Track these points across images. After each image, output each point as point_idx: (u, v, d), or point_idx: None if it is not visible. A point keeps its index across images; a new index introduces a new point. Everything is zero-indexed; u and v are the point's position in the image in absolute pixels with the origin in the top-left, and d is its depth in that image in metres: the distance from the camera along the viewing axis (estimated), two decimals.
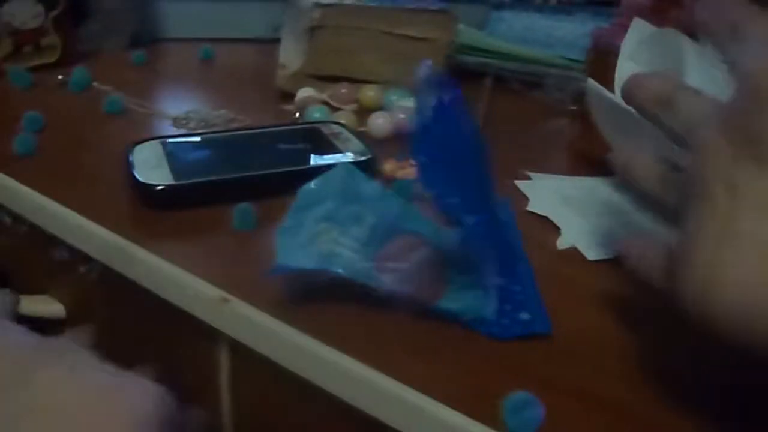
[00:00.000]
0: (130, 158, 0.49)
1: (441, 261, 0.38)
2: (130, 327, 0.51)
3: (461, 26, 0.75)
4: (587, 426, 0.31)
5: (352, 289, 0.37)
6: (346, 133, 0.55)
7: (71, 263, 0.50)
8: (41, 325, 0.55)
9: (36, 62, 0.72)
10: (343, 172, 0.41)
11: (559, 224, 0.48)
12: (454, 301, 0.37)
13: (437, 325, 0.37)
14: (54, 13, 0.72)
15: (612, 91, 0.56)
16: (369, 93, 0.64)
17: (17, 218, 0.53)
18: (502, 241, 0.39)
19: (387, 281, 0.37)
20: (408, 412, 0.33)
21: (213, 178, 0.48)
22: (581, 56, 0.69)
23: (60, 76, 0.70)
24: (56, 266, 0.51)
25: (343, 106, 0.63)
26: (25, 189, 0.50)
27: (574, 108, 0.67)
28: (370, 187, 0.42)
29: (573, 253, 0.45)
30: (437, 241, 0.39)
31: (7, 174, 0.52)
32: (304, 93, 0.64)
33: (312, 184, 0.41)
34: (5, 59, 0.70)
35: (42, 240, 0.50)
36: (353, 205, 0.40)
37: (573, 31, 0.79)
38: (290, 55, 0.69)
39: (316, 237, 0.38)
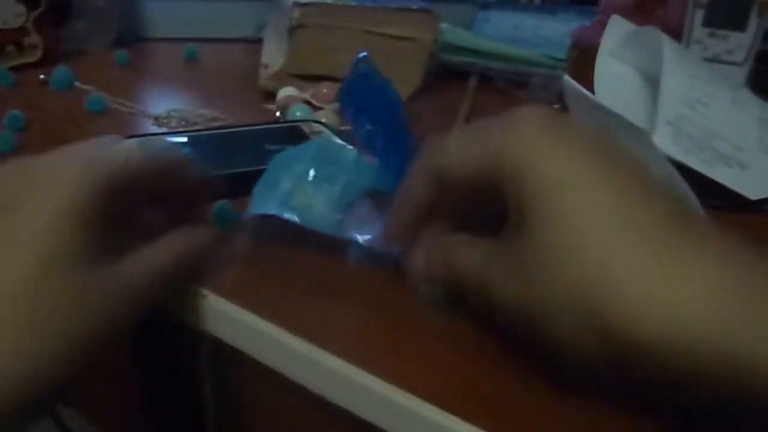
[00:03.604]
0: None
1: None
2: None
3: (446, 26, 0.77)
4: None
5: (314, 240, 0.43)
6: (326, 132, 0.56)
7: None
8: None
9: (18, 62, 0.74)
10: (319, 141, 0.46)
11: None
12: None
13: (422, 322, 0.38)
14: (36, 12, 0.73)
15: (593, 88, 0.57)
16: None
17: None
18: None
19: (351, 233, 0.42)
20: (392, 411, 0.33)
21: None
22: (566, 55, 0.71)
23: (42, 76, 0.71)
24: None
25: (324, 105, 0.64)
26: None
27: (559, 106, 0.69)
28: (346, 152, 0.46)
29: None
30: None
31: None
32: (285, 92, 0.65)
33: (289, 150, 0.45)
34: None
35: None
36: (328, 166, 0.44)
37: (559, 31, 0.81)
38: (273, 55, 0.71)
39: (291, 193, 0.43)
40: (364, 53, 0.44)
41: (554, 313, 0.29)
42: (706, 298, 0.26)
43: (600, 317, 0.28)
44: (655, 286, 0.27)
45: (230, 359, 0.41)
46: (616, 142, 0.32)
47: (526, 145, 0.31)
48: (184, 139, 0.55)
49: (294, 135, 0.56)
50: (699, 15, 0.64)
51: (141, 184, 0.36)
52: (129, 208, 0.37)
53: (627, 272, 0.28)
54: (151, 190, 0.38)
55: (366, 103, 0.43)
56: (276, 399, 0.42)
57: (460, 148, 0.35)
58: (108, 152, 0.36)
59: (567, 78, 0.52)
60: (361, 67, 0.43)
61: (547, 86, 0.71)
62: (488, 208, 0.35)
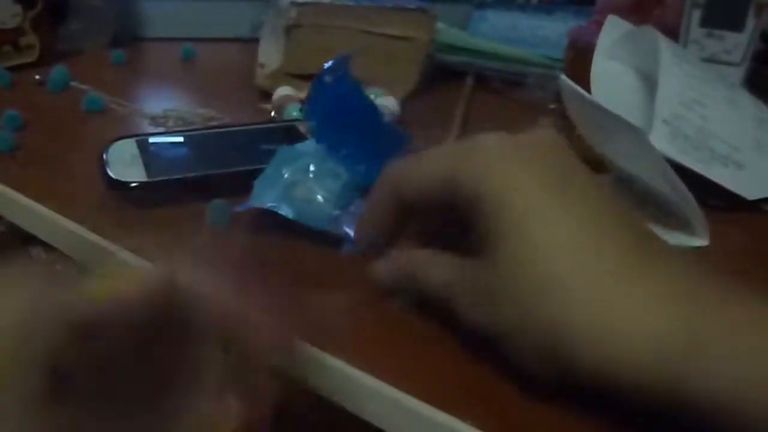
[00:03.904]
0: (105, 156, 0.50)
1: None
2: None
3: (442, 25, 0.77)
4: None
5: (309, 237, 0.44)
6: None
7: (48, 262, 0.51)
8: None
9: (15, 62, 0.74)
10: None
11: None
12: None
13: (423, 323, 0.38)
14: (32, 12, 0.74)
15: (590, 88, 0.58)
16: None
17: None
18: None
19: (345, 228, 0.44)
20: (388, 408, 0.34)
21: (186, 174, 0.49)
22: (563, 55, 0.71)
23: (37, 76, 0.71)
24: (37, 264, 0.53)
25: None
26: (3, 187, 0.52)
27: (555, 107, 0.69)
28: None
29: None
30: None
31: None
32: (281, 92, 0.65)
33: (293, 146, 0.47)
34: None
35: (19, 238, 0.52)
36: (330, 163, 0.46)
37: (556, 30, 0.81)
38: (269, 55, 0.71)
39: (293, 185, 0.45)
40: (342, 57, 0.46)
41: (519, 341, 0.31)
42: (654, 331, 0.28)
43: (561, 351, 0.29)
44: (609, 320, 0.28)
45: None
46: (580, 169, 0.33)
47: (491, 173, 0.32)
48: (180, 139, 0.55)
49: (290, 134, 0.56)
50: (696, 15, 0.64)
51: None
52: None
53: (585, 306, 0.29)
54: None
55: (334, 110, 0.45)
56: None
57: (419, 168, 0.35)
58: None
59: (564, 78, 0.53)
60: (325, 77, 0.45)
61: (543, 86, 0.71)
62: (450, 223, 0.35)
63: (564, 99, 0.57)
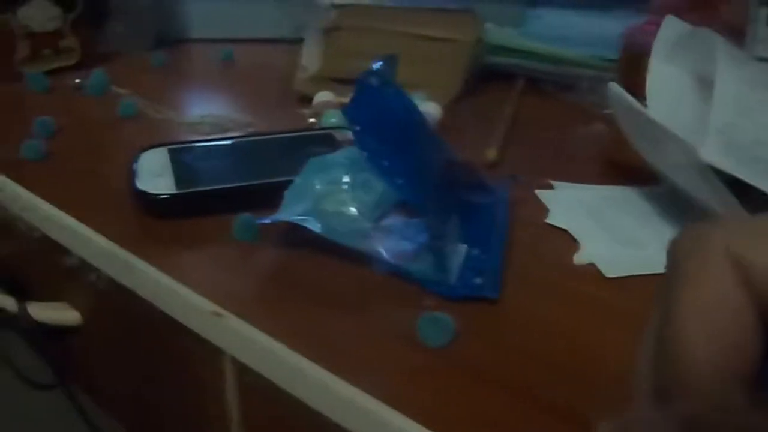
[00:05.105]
0: (135, 166, 0.50)
1: (422, 229, 0.43)
2: (141, 338, 0.52)
3: (490, 25, 0.74)
4: None
5: (337, 253, 0.42)
6: None
7: (82, 271, 0.51)
8: (56, 332, 0.57)
9: (54, 65, 0.74)
10: (355, 150, 0.45)
11: (578, 238, 0.47)
12: (420, 264, 0.41)
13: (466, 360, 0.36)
14: (72, 15, 0.74)
15: (644, 95, 0.55)
16: None
17: (30, 224, 0.54)
18: (468, 208, 0.46)
19: (378, 245, 0.42)
20: None
21: (216, 186, 0.48)
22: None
23: (78, 80, 0.71)
24: (69, 273, 0.53)
25: None
26: (31, 196, 0.52)
27: (609, 112, 0.66)
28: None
29: (591, 269, 0.44)
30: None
31: (15, 180, 0.53)
32: (321, 97, 0.64)
33: (325, 155, 0.46)
34: (23, 62, 0.73)
35: (54, 247, 0.52)
36: (364, 174, 0.44)
37: (611, 30, 0.78)
38: (312, 57, 0.70)
39: (324, 197, 0.44)
40: (388, 57, 0.44)
41: None
42: None
43: None
44: None
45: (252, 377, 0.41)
46: None
47: None
48: (213, 148, 0.54)
49: (326, 142, 0.55)
50: (763, 13, 0.60)
51: None
52: None
53: None
54: None
55: (378, 115, 0.42)
56: (292, 422, 0.41)
57: None
58: None
59: (613, 84, 0.50)
60: (371, 79, 0.42)
61: (595, 90, 0.68)
62: None
63: (612, 107, 0.54)
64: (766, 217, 0.19)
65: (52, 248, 0.52)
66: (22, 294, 0.58)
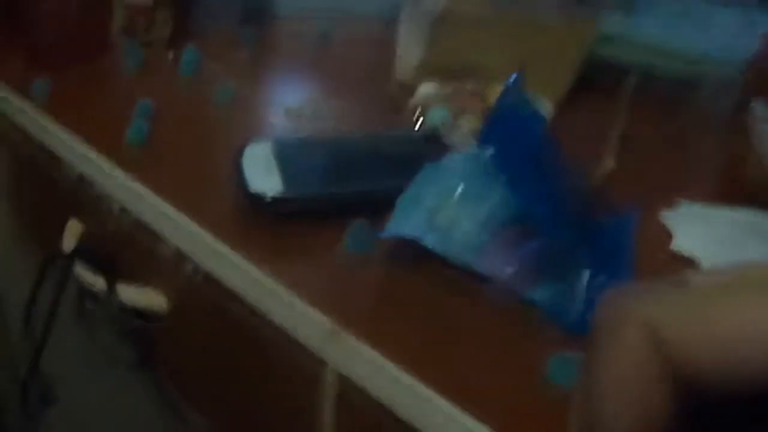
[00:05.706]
0: (240, 162, 0.48)
1: (543, 252, 0.42)
2: (230, 337, 0.51)
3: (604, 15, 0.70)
4: None
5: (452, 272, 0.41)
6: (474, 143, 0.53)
7: (175, 260, 0.51)
8: (140, 316, 0.57)
9: (149, 38, 0.73)
10: (468, 156, 0.44)
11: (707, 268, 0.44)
12: (542, 291, 0.40)
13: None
14: None
15: None
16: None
17: (124, 208, 0.54)
18: (600, 241, 0.43)
19: (490, 265, 0.41)
20: None
21: (325, 190, 0.47)
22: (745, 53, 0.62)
23: (171, 55, 0.70)
24: (161, 261, 0.52)
25: (468, 108, 0.60)
26: (130, 181, 0.51)
27: (737, 121, 0.61)
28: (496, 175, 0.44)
29: None
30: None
31: (117, 164, 0.53)
32: (425, 90, 0.61)
33: (439, 162, 0.44)
34: (120, 32, 0.72)
35: (147, 233, 0.51)
36: (478, 183, 0.43)
37: (733, 20, 0.72)
38: (410, 45, 0.67)
39: (436, 210, 0.43)
40: (515, 75, 0.42)
41: None
42: None
43: None
44: None
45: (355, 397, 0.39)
46: None
47: None
48: (317, 144, 0.53)
49: (433, 143, 0.53)
50: None
51: None
52: None
53: None
54: None
55: (509, 140, 0.42)
56: None
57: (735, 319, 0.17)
58: None
59: (756, 105, 0.47)
60: (508, 98, 0.42)
61: (720, 94, 0.63)
62: None
63: (753, 129, 0.50)
64: (688, 287, 0.19)
65: (146, 234, 0.52)
66: (112, 275, 0.58)
